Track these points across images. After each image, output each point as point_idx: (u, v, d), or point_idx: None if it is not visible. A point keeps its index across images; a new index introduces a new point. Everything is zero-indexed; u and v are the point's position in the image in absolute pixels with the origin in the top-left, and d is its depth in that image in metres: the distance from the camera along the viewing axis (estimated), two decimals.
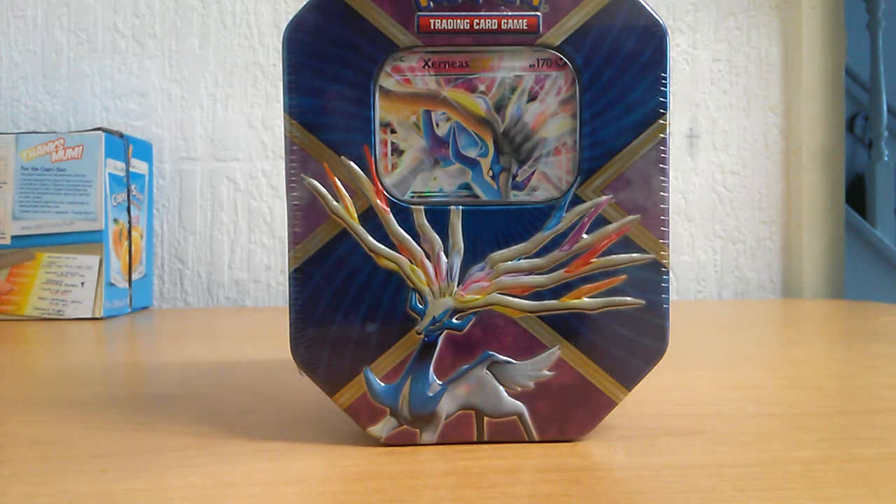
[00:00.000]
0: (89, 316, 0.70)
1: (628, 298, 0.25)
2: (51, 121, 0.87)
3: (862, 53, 1.59)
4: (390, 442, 0.25)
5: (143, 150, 0.81)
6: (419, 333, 0.25)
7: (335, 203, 0.25)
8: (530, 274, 0.25)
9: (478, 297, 0.25)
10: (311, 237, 0.25)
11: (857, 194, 1.65)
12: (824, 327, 0.60)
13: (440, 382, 0.25)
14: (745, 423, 0.29)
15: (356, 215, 0.25)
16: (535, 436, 0.25)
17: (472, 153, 0.26)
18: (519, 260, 0.25)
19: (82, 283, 0.70)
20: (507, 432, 0.25)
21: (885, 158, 1.62)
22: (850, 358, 0.44)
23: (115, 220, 0.73)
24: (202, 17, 0.89)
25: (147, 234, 0.82)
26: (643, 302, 0.25)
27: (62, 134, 0.71)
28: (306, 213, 0.25)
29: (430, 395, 0.25)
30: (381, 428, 0.25)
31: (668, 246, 0.25)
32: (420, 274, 0.25)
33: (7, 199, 0.70)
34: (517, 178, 0.26)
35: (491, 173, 0.26)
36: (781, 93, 0.96)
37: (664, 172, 0.25)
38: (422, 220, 0.25)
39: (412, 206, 0.25)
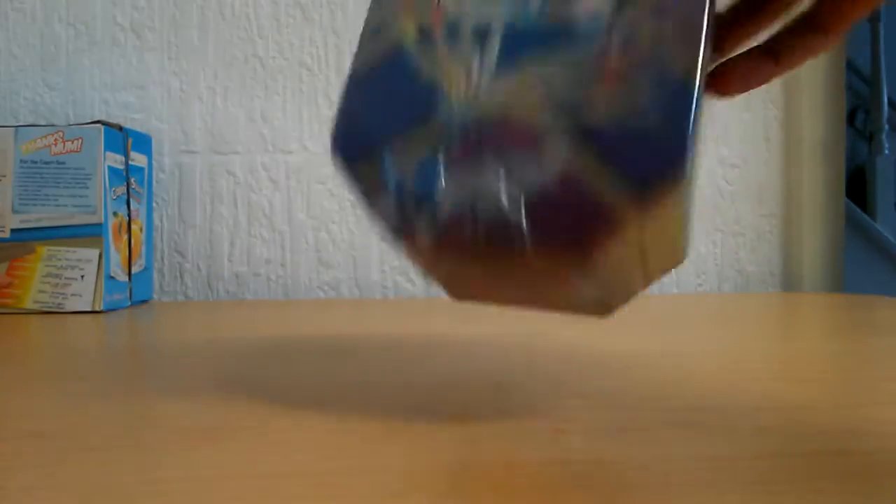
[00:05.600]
0: (89, 309, 0.70)
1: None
2: (50, 114, 0.87)
3: (863, 46, 1.59)
4: (388, 226, 0.26)
5: (143, 143, 0.81)
6: (442, 135, 0.26)
7: (397, 21, 0.28)
8: (555, 83, 0.26)
9: (502, 101, 0.26)
10: (369, 51, 0.28)
11: (857, 187, 1.65)
12: (824, 321, 0.60)
13: (448, 177, 0.26)
14: (743, 416, 0.29)
15: (414, 31, 0.28)
16: (530, 247, 0.25)
17: None
18: (547, 68, 0.26)
19: (82, 277, 0.70)
20: (502, 238, 0.25)
21: (886, 152, 1.62)
22: (849, 351, 0.44)
23: (115, 214, 0.73)
24: (201, 10, 0.88)
25: (147, 227, 0.82)
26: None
27: (61, 127, 0.70)
28: (372, 37, 0.28)
29: (436, 184, 0.26)
30: (383, 207, 0.26)
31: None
32: (456, 82, 0.27)
33: (6, 192, 0.70)
34: None
35: None
36: (781, 86, 0.96)
37: None
38: (467, 34, 0.27)
39: (460, 23, 0.27)
